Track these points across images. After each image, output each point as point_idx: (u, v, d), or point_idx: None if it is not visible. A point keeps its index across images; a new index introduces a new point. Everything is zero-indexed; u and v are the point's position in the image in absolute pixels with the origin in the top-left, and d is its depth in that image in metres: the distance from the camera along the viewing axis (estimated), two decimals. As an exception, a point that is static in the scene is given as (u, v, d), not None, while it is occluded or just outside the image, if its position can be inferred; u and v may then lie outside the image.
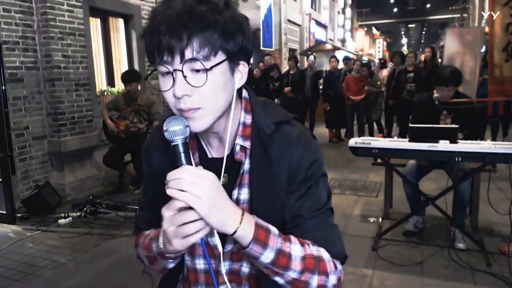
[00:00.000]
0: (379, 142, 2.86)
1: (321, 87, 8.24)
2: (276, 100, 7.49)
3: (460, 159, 2.62)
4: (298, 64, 7.82)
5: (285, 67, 10.82)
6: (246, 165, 0.87)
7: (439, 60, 7.57)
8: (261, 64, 8.63)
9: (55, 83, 4.48)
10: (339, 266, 0.84)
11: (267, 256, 0.74)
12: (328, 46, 16.35)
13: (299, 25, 16.25)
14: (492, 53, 4.91)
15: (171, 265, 0.89)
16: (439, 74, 3.09)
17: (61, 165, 4.59)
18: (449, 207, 3.06)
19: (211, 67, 0.73)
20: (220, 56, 0.74)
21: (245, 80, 0.83)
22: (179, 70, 0.73)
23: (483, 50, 6.57)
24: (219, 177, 0.85)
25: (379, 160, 3.08)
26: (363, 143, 2.87)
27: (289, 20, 14.42)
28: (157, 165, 0.91)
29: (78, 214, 3.96)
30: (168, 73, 0.74)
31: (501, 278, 2.58)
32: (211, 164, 0.87)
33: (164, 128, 0.74)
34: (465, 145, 2.61)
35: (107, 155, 4.59)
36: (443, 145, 2.63)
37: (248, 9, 10.93)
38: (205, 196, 0.67)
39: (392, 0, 33.32)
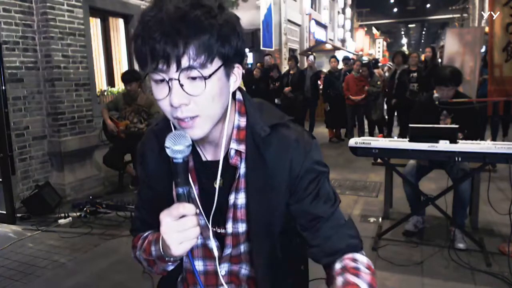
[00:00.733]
0: (379, 142, 2.85)
1: (321, 87, 8.24)
2: (276, 100, 7.50)
3: (460, 159, 2.62)
4: (298, 64, 7.82)
5: (285, 67, 10.81)
6: (242, 169, 0.85)
7: (439, 60, 7.56)
8: (259, 64, 8.64)
9: (55, 83, 4.48)
10: (369, 262, 0.85)
11: None
12: (328, 46, 16.37)
13: (299, 25, 16.26)
14: (492, 53, 4.91)
15: (170, 268, 0.89)
16: (439, 74, 3.09)
17: (61, 165, 4.59)
18: (449, 207, 3.06)
19: (210, 75, 0.71)
20: (216, 62, 0.72)
21: (239, 82, 0.82)
22: (175, 79, 0.70)
23: (483, 50, 6.56)
24: (214, 180, 0.85)
25: (379, 160, 3.08)
26: (363, 143, 2.86)
27: (289, 20, 14.42)
28: (152, 167, 0.89)
29: (78, 214, 3.96)
30: (163, 81, 0.72)
31: (501, 278, 2.57)
32: (205, 167, 0.86)
33: (167, 145, 0.72)
34: (465, 145, 2.61)
35: (107, 155, 4.59)
36: (443, 145, 2.63)
37: (248, 9, 10.93)
38: None
39: (392, 0, 33.33)
